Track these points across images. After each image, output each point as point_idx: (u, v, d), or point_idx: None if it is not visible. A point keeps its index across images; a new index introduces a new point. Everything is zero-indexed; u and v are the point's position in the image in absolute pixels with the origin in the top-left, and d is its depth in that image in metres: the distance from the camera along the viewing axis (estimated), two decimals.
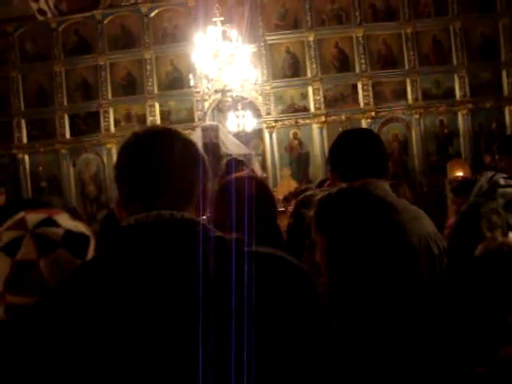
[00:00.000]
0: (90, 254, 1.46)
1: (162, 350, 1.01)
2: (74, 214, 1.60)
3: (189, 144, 1.23)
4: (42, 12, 11.62)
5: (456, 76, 11.64)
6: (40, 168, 12.04)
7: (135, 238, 1.11)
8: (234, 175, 2.22)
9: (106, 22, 11.92)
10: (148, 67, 11.84)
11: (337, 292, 1.76)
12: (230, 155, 5.97)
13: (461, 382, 1.87)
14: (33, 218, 1.45)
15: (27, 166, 12.04)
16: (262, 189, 2.05)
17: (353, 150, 2.16)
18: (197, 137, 8.95)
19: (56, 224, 1.46)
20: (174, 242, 1.09)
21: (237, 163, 2.75)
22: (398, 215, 1.98)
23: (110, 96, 11.89)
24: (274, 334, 1.03)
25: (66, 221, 1.49)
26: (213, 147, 8.20)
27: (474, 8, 11.74)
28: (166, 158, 1.16)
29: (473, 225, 2.49)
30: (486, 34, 11.74)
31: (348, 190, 1.97)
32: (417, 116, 11.62)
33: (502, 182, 3.46)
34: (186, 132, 10.27)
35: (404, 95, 11.66)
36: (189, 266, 1.06)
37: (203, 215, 1.23)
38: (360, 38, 11.63)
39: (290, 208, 4.09)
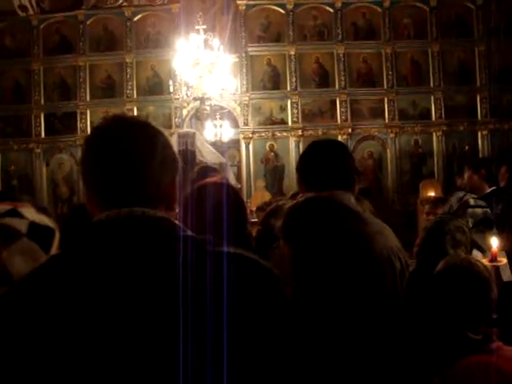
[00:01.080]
0: (55, 247, 1.45)
1: (128, 349, 0.99)
2: (44, 213, 1.58)
3: (158, 139, 1.19)
4: (23, 8, 11.52)
5: (432, 97, 11.85)
6: (12, 166, 11.86)
7: (106, 234, 1.09)
8: (207, 180, 2.22)
9: (88, 22, 11.84)
10: (128, 71, 11.78)
11: (300, 301, 1.77)
12: (205, 163, 5.97)
13: None
14: None
15: None
16: (233, 195, 2.05)
17: (320, 161, 2.15)
18: (173, 143, 8.90)
19: (20, 215, 1.44)
20: (146, 239, 1.08)
21: (209, 170, 2.76)
22: (364, 226, 1.99)
23: (88, 97, 11.79)
24: (243, 336, 1.02)
25: (31, 213, 1.47)
26: (189, 154, 8.18)
27: (453, 33, 12.00)
28: (133, 151, 1.13)
29: (437, 241, 2.53)
30: (463, 59, 12.00)
31: (314, 200, 1.97)
32: (392, 135, 11.78)
33: (471, 202, 3.54)
34: None
35: (381, 114, 11.81)
36: (160, 263, 1.05)
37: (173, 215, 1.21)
38: (341, 55, 11.77)
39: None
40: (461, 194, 3.69)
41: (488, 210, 3.66)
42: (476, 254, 2.94)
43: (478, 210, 3.51)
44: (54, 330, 1.00)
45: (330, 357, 1.73)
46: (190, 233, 1.13)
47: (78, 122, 11.72)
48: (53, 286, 1.04)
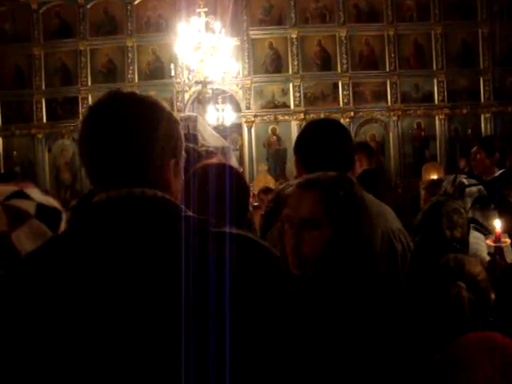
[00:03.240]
0: (62, 228, 1.44)
1: (132, 332, 0.98)
2: (48, 195, 1.58)
3: (160, 115, 1.15)
4: None
5: (435, 80, 11.79)
6: (14, 152, 11.86)
7: (107, 215, 1.08)
8: (209, 162, 2.21)
9: (88, 6, 11.76)
10: (129, 55, 11.74)
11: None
12: (207, 147, 5.95)
13: (423, 371, 1.91)
14: (4, 190, 1.43)
15: (1, 150, 11.85)
16: (235, 176, 2.03)
17: (320, 143, 2.12)
18: None
19: (28, 197, 1.43)
20: (147, 219, 1.07)
21: (207, 153, 2.74)
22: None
23: (89, 82, 11.76)
24: (245, 316, 1.01)
25: (37, 195, 1.46)
26: (191, 138, 8.17)
27: (456, 15, 11.90)
28: (129, 128, 1.11)
29: (434, 223, 2.53)
30: (466, 41, 11.91)
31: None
32: (395, 118, 11.74)
33: (465, 182, 3.54)
34: None
35: (383, 97, 11.77)
36: (161, 243, 1.04)
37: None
38: (343, 38, 11.70)
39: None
40: (451, 176, 3.70)
41: (481, 187, 3.66)
42: (475, 235, 2.94)
43: (473, 189, 3.52)
44: (52, 313, 1.00)
45: (332, 342, 1.74)
46: (190, 213, 1.12)
47: (80, 107, 11.68)
48: (52, 267, 1.04)
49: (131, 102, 1.15)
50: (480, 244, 2.96)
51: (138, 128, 1.11)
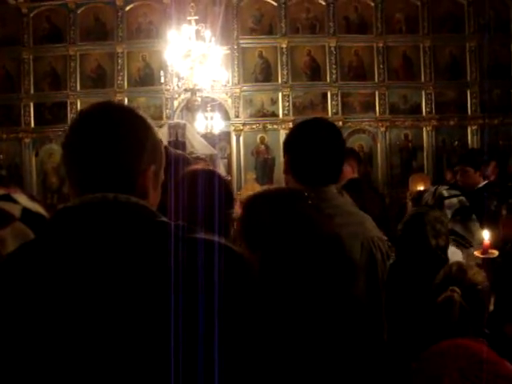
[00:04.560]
0: None
1: (101, 337, 0.99)
2: (35, 201, 1.59)
3: (138, 124, 1.17)
4: None
5: (423, 92, 11.90)
6: (1, 156, 11.78)
7: (78, 219, 1.08)
8: (195, 167, 2.18)
9: (79, 11, 11.74)
10: (119, 61, 11.72)
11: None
12: (196, 154, 5.97)
13: (401, 378, 1.92)
14: None
15: None
16: (222, 185, 2.00)
17: (308, 142, 2.03)
18: (163, 134, 8.89)
19: (14, 200, 1.45)
20: (117, 224, 1.07)
21: (194, 160, 2.73)
22: (341, 219, 1.93)
23: (78, 87, 11.72)
24: (217, 321, 1.01)
25: (23, 199, 1.48)
26: (179, 145, 8.17)
27: (444, 28, 12.04)
28: (109, 138, 1.13)
29: (418, 233, 2.55)
30: (454, 54, 12.05)
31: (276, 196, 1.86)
32: (383, 129, 11.82)
33: (445, 193, 3.58)
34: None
35: (372, 107, 11.86)
36: (131, 248, 1.04)
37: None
38: (332, 49, 11.78)
39: None
40: (432, 188, 3.73)
41: (463, 198, 3.70)
42: (452, 249, 2.97)
43: (454, 200, 3.55)
44: (21, 318, 1.00)
45: (306, 347, 1.73)
46: (164, 218, 1.12)
47: (68, 112, 11.63)
48: (22, 273, 1.04)
49: (114, 112, 1.17)
50: (456, 258, 2.98)
51: (117, 135, 1.13)
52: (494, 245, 3.09)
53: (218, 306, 1.02)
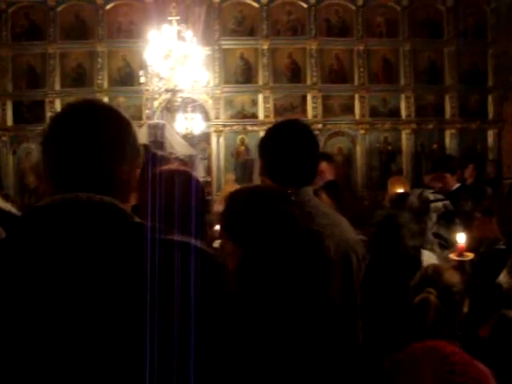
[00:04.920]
0: None
1: (72, 340, 0.98)
2: (9, 201, 1.59)
3: (118, 123, 1.17)
4: None
5: (403, 96, 12.02)
6: None
7: (48, 219, 1.07)
8: (166, 167, 2.16)
9: (59, 9, 11.62)
10: (100, 60, 11.62)
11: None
12: (173, 154, 5.96)
13: (374, 379, 1.94)
14: None
15: None
16: (190, 182, 1.99)
17: (282, 145, 2.03)
18: (143, 134, 8.86)
19: None
20: (88, 224, 1.05)
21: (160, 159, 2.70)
22: (318, 220, 1.96)
23: (57, 86, 11.60)
24: (189, 323, 1.01)
25: None
26: (158, 145, 8.14)
27: (424, 33, 12.18)
28: (88, 136, 1.11)
29: (392, 235, 2.58)
30: (433, 59, 12.19)
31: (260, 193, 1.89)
32: (362, 131, 11.91)
33: (431, 197, 3.62)
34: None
35: (352, 110, 11.93)
36: (101, 249, 1.03)
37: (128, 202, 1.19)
38: (313, 51, 11.83)
39: None
40: (418, 190, 3.77)
41: (447, 202, 3.76)
42: (427, 254, 3.00)
43: (439, 204, 3.61)
44: None
45: (282, 351, 1.74)
46: (137, 219, 1.11)
47: (47, 111, 11.50)
48: None
49: (92, 108, 1.17)
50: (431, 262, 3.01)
51: (96, 134, 1.12)
52: (469, 246, 3.13)
53: (194, 308, 1.02)
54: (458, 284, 2.18)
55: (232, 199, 1.78)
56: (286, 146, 2.05)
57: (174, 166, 2.70)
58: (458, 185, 4.88)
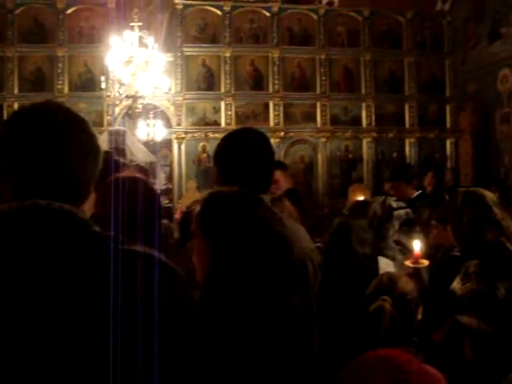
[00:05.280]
0: None
1: (29, 352, 0.96)
2: None
3: (83, 128, 1.13)
4: None
5: (363, 105, 12.19)
6: None
7: (5, 226, 1.04)
8: (120, 175, 2.14)
9: (17, 11, 11.39)
10: (60, 65, 11.44)
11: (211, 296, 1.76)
12: (134, 162, 5.90)
13: None
14: None
15: None
16: (146, 190, 1.98)
17: (235, 153, 2.04)
18: (103, 141, 8.74)
19: None
20: (45, 232, 1.03)
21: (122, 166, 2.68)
22: (283, 228, 1.99)
23: (15, 90, 11.36)
24: (141, 332, 1.00)
25: None
26: (119, 153, 8.05)
27: (384, 44, 12.43)
28: (51, 141, 1.08)
29: (343, 241, 2.61)
30: (393, 69, 12.43)
31: (238, 195, 1.93)
32: (324, 140, 12.03)
33: (394, 204, 3.66)
34: None
35: (313, 118, 12.05)
36: (59, 258, 1.01)
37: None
38: (276, 59, 11.92)
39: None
40: (380, 198, 3.81)
41: (409, 210, 3.81)
42: (384, 261, 3.04)
43: (401, 212, 3.65)
44: None
45: (241, 357, 1.74)
46: (97, 228, 1.09)
47: (5, 116, 11.25)
48: None
49: (54, 111, 1.13)
50: (389, 270, 3.05)
51: (56, 141, 1.09)
52: (425, 253, 3.18)
53: (158, 320, 1.01)
54: (412, 292, 2.22)
55: (209, 201, 1.84)
56: (241, 154, 2.04)
57: (129, 173, 2.67)
58: (417, 193, 4.96)
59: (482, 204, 2.80)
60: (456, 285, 2.72)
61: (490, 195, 2.88)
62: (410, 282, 2.27)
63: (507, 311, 2.63)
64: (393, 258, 3.30)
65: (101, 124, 11.13)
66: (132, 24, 9.75)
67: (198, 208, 1.94)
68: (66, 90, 11.44)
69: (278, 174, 3.68)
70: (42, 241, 1.02)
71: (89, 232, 1.07)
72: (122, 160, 3.43)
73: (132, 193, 1.75)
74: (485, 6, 11.46)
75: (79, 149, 1.11)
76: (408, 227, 3.64)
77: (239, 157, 2.03)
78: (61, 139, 1.09)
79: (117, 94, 9.97)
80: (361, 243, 2.60)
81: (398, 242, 3.50)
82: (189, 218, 2.75)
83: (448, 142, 12.52)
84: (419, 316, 2.27)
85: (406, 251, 3.38)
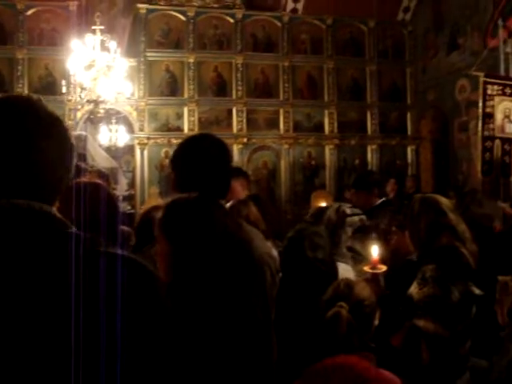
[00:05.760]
0: None
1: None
2: None
3: (60, 127, 1.12)
4: None
5: (326, 112, 12.32)
6: None
7: None
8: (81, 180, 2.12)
9: None
10: (19, 68, 11.20)
11: (178, 299, 1.76)
12: (96, 167, 5.83)
13: None
14: None
15: None
16: (106, 195, 1.97)
17: (191, 159, 2.04)
18: None
19: None
20: (27, 233, 1.02)
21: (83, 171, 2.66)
22: (244, 232, 1.99)
23: None
24: (122, 332, 1.00)
25: None
26: (80, 158, 7.94)
27: (347, 52, 12.60)
28: (17, 139, 1.06)
29: (297, 247, 2.63)
30: (355, 77, 12.61)
31: (197, 201, 1.94)
32: (287, 146, 12.09)
33: (348, 211, 3.69)
34: None
35: (276, 125, 12.10)
36: (39, 258, 1.00)
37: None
38: (239, 66, 11.94)
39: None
40: (336, 204, 3.84)
41: (363, 216, 3.85)
42: (343, 267, 3.07)
43: (355, 218, 3.68)
44: None
45: (204, 356, 1.74)
46: (74, 230, 1.08)
47: None
48: None
49: (30, 110, 1.11)
50: (348, 276, 3.08)
51: (29, 139, 1.07)
52: (384, 259, 3.22)
53: (121, 316, 1.00)
54: (369, 298, 2.24)
55: (170, 207, 1.89)
56: (199, 160, 2.04)
57: (89, 178, 2.65)
58: (380, 200, 5.01)
59: (437, 210, 2.86)
60: (413, 289, 2.77)
61: (445, 201, 2.95)
62: (367, 288, 2.30)
63: (462, 315, 2.69)
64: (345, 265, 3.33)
65: None
66: (94, 27, 9.64)
67: (159, 214, 1.95)
68: (26, 93, 11.21)
69: (239, 181, 3.70)
70: (23, 242, 1.01)
71: (70, 234, 1.06)
72: (83, 165, 3.39)
73: (93, 198, 1.74)
74: (443, 18, 11.74)
75: (52, 147, 1.09)
76: (362, 234, 3.67)
77: (197, 163, 2.03)
78: (35, 137, 1.07)
79: (78, 99, 9.83)
80: (313, 248, 2.62)
81: (350, 249, 3.53)
82: (145, 223, 2.73)
83: (409, 149, 12.75)
84: (376, 322, 2.30)
85: (359, 258, 3.41)
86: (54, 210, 1.09)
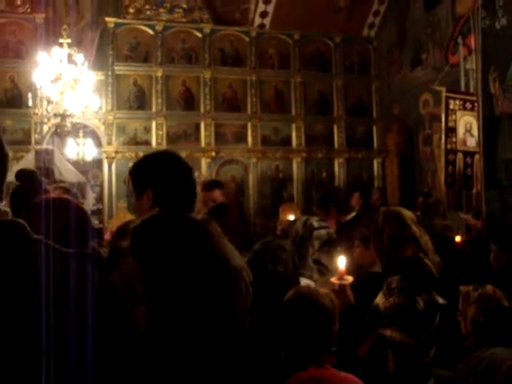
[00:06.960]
0: None
1: None
2: None
3: None
4: None
5: (294, 125, 12.45)
6: None
7: None
8: (51, 195, 2.14)
9: None
10: None
11: (154, 318, 1.78)
12: (63, 182, 5.79)
13: None
14: None
15: None
16: (77, 213, 1.99)
17: (174, 185, 2.09)
18: (30, 160, 8.50)
19: None
20: None
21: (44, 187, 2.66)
22: (215, 245, 2.01)
23: None
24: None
25: None
26: (45, 172, 7.85)
27: (314, 66, 12.79)
28: None
29: (260, 259, 2.68)
30: (322, 91, 12.79)
31: (163, 218, 1.96)
32: (255, 160, 12.17)
33: (315, 224, 3.73)
34: (20, 155, 9.71)
35: (244, 139, 12.18)
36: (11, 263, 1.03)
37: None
38: (207, 80, 12.00)
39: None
40: (304, 218, 3.88)
41: (331, 230, 3.89)
42: (305, 281, 3.11)
43: (323, 232, 3.70)
44: None
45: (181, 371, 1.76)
46: (37, 236, 1.12)
47: None
48: None
49: None
50: None
51: None
52: (350, 270, 3.28)
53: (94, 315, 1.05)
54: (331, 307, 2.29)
55: (136, 230, 1.94)
56: (169, 176, 2.10)
57: (56, 194, 2.64)
58: (352, 214, 5.07)
59: (401, 222, 2.94)
60: (379, 300, 2.84)
61: (408, 214, 3.03)
62: (328, 298, 2.35)
63: (426, 323, 2.77)
64: (310, 277, 3.35)
65: (28, 142, 10.79)
66: (61, 41, 9.59)
67: (126, 242, 1.99)
68: None
69: (218, 193, 3.72)
70: None
71: (35, 239, 1.09)
72: (44, 180, 3.37)
73: (63, 214, 1.76)
74: (407, 34, 12.03)
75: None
76: (329, 247, 3.69)
77: (167, 179, 2.08)
78: None
79: (45, 112, 9.73)
80: (274, 262, 2.66)
81: (317, 262, 3.55)
82: (120, 236, 2.74)
83: (375, 162, 12.95)
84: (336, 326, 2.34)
85: (325, 271, 3.44)
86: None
